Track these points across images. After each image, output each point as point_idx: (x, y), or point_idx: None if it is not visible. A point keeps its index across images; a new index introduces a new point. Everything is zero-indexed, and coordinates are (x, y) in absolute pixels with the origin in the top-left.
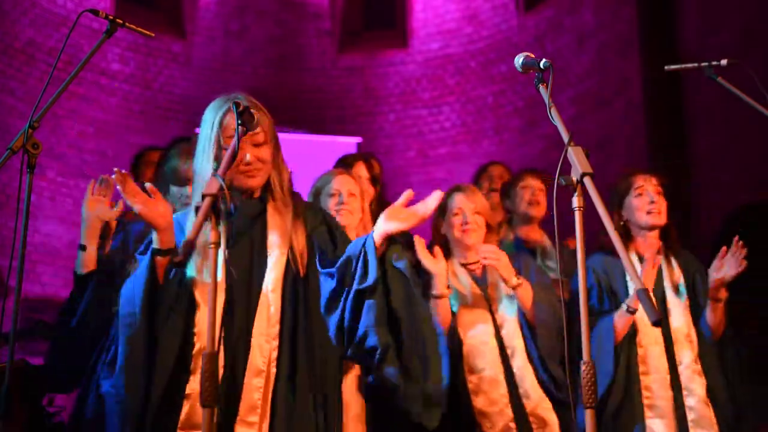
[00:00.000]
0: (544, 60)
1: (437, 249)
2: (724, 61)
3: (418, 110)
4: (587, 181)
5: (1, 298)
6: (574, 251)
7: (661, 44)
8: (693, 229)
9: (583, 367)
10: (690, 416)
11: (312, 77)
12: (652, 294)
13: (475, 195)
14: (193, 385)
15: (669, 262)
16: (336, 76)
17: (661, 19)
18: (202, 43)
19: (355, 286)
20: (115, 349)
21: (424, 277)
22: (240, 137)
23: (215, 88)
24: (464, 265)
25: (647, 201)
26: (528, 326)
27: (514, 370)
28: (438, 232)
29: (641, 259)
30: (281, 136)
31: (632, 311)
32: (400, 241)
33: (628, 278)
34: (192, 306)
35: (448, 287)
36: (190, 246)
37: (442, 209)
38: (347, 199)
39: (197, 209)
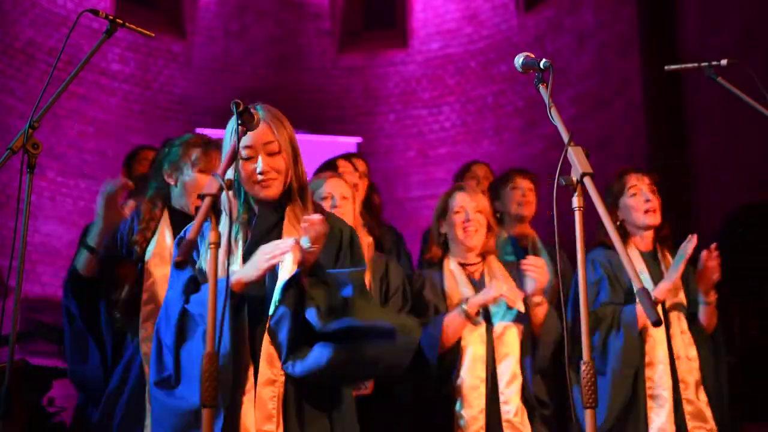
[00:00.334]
0: (544, 60)
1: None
2: (724, 61)
3: (418, 110)
4: (587, 181)
5: (1, 298)
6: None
7: (661, 44)
8: (693, 229)
9: (583, 367)
10: (687, 408)
11: (312, 77)
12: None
13: (476, 194)
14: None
15: (664, 258)
16: (336, 76)
17: (661, 19)
18: (202, 43)
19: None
20: (174, 361)
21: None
22: (240, 137)
23: (215, 88)
24: (463, 266)
25: (642, 200)
26: (531, 337)
27: (498, 376)
28: (438, 233)
29: (642, 254)
30: None
31: (657, 303)
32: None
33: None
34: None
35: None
36: (191, 246)
37: (443, 209)
38: (340, 202)
39: (197, 209)
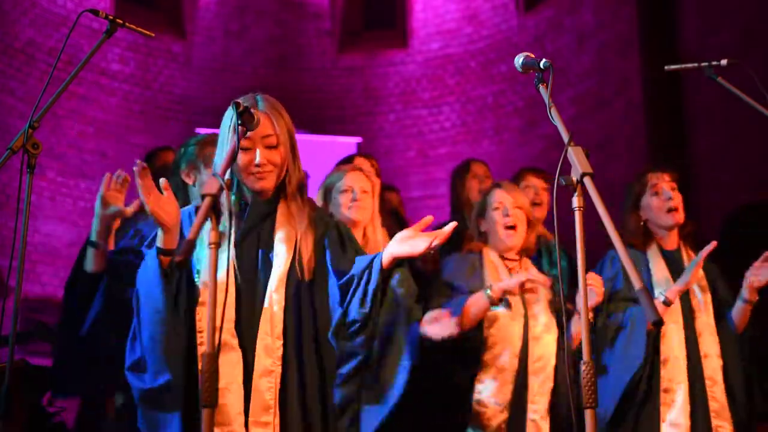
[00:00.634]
0: (544, 60)
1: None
2: (724, 61)
3: (418, 110)
4: (587, 181)
5: (1, 298)
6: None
7: (661, 44)
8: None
9: (583, 367)
10: (713, 406)
11: (312, 77)
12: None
13: (515, 190)
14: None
15: (689, 257)
16: (336, 76)
17: (661, 19)
18: (202, 43)
19: (351, 315)
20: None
21: (426, 287)
22: (240, 137)
23: (215, 88)
24: (503, 258)
25: (664, 199)
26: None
27: (530, 375)
28: (478, 232)
29: (663, 252)
30: None
31: (668, 303)
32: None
33: (652, 271)
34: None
35: (500, 300)
36: (191, 246)
37: (481, 208)
38: (360, 195)
39: (197, 209)
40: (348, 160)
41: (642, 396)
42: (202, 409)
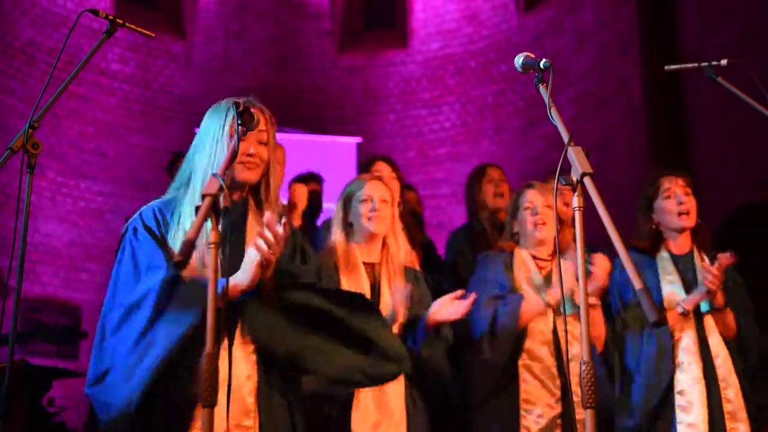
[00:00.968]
0: (544, 60)
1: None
2: (724, 61)
3: (418, 110)
4: (587, 181)
5: (1, 298)
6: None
7: (661, 44)
8: None
9: (583, 367)
10: (727, 408)
11: (312, 77)
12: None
13: (545, 190)
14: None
15: (702, 260)
16: (336, 76)
17: (661, 19)
18: (202, 43)
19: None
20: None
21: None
22: (240, 137)
23: (215, 88)
24: (534, 258)
25: (676, 203)
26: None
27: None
28: (511, 233)
29: (673, 257)
30: (281, 136)
31: (685, 314)
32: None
33: (660, 276)
34: None
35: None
36: (191, 246)
37: (514, 210)
38: (379, 205)
39: (197, 209)
40: (368, 165)
41: (657, 401)
42: (203, 409)
